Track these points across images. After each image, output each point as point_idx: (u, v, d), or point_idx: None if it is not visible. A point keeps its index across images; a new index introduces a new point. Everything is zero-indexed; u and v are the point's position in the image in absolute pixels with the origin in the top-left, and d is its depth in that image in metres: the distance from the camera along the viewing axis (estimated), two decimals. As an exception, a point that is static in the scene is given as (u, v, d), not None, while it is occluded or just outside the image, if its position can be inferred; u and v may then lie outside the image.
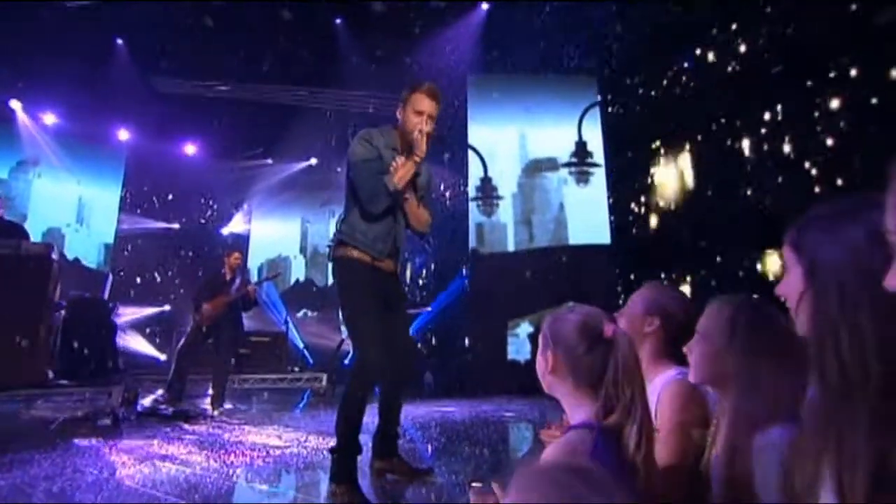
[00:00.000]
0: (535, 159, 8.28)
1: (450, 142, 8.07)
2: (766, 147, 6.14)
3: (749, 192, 6.21)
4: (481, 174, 8.21)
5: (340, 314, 2.88)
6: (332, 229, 9.99)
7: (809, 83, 5.57)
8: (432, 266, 8.63)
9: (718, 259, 6.15)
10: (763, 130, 6.18)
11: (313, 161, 10.12)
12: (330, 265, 2.92)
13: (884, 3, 4.73)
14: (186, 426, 4.48)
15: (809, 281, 0.88)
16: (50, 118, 8.82)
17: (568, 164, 8.17)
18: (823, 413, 0.77)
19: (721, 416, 1.23)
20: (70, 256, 8.54)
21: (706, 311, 1.29)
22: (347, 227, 2.76)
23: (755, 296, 1.31)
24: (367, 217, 2.71)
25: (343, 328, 9.10)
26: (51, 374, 5.17)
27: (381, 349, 2.65)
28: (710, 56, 6.74)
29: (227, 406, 5.45)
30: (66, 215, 9.12)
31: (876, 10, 4.70)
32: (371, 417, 2.79)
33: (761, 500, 1.05)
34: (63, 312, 5.24)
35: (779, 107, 5.92)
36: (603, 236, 7.84)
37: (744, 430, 1.12)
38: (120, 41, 8.82)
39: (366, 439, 2.78)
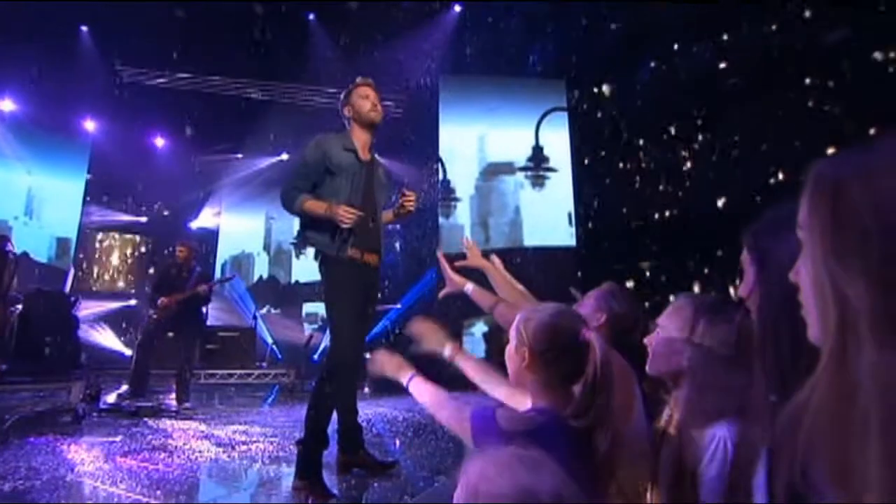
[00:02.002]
0: (493, 162, 8.42)
1: (422, 141, 8.09)
2: (732, 151, 6.31)
3: (715, 196, 6.37)
4: (440, 175, 8.32)
5: (325, 310, 2.87)
6: (296, 227, 9.93)
7: (772, 90, 5.76)
8: (402, 264, 8.65)
9: (682, 261, 6.31)
10: (727, 135, 6.35)
11: (284, 157, 9.99)
12: (310, 267, 3.01)
13: (835, 22, 4.95)
14: (150, 422, 4.41)
15: (760, 281, 0.93)
16: (7, 105, 8.46)
17: (524, 168, 8.32)
18: (763, 406, 0.82)
19: (674, 409, 1.27)
20: (18, 250, 8.19)
21: (669, 307, 1.34)
22: (310, 231, 2.84)
23: (715, 295, 1.36)
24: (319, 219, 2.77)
25: (306, 325, 9.09)
26: (4, 369, 4.98)
27: (359, 349, 2.77)
28: (676, 63, 6.89)
29: (193, 401, 5.39)
30: (14, 207, 8.76)
31: (830, 27, 4.91)
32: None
33: (704, 492, 1.09)
34: (20, 307, 5.06)
35: (742, 113, 6.09)
36: (557, 238, 8.02)
37: (696, 424, 1.16)
38: (84, 28, 8.53)
39: (331, 433, 2.80)
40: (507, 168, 8.38)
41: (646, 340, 1.35)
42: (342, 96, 2.98)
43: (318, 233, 2.78)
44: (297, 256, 9.93)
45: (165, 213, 9.93)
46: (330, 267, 2.78)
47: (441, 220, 8.23)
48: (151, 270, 8.73)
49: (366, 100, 2.90)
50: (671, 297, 1.38)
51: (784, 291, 0.82)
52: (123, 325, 9.09)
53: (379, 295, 3.13)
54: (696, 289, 5.89)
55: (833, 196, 0.49)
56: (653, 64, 7.17)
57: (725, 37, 6.31)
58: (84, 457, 3.16)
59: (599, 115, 7.91)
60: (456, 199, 8.31)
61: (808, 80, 5.37)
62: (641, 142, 7.28)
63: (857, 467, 0.43)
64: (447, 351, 1.71)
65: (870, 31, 4.80)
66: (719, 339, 1.20)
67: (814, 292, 0.51)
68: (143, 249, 9.74)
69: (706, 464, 1.10)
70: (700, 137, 6.60)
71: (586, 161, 8.06)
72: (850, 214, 0.47)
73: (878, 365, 0.44)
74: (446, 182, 8.37)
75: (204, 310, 5.87)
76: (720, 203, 6.22)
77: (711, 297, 1.33)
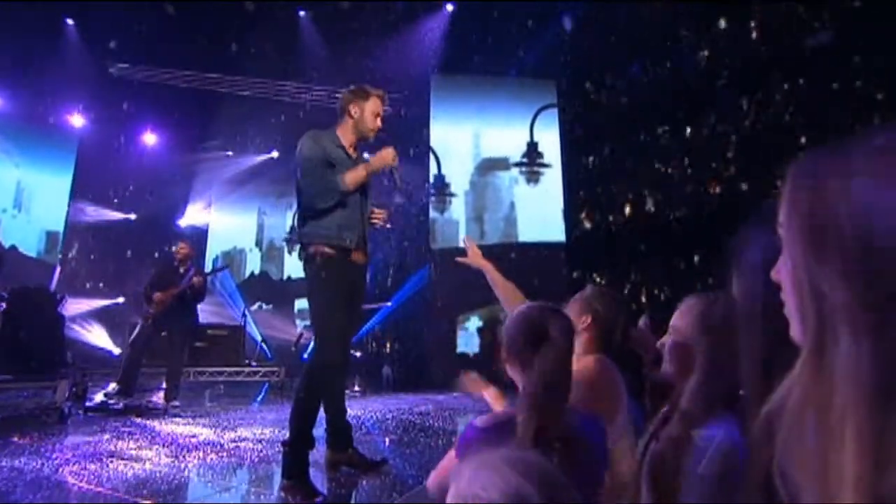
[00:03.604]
0: (487, 158, 8.46)
1: (412, 139, 8.08)
2: (717, 152, 6.35)
3: (700, 195, 6.42)
4: (435, 171, 8.36)
5: (309, 309, 2.85)
6: (289, 223, 9.90)
7: (756, 92, 5.81)
8: (394, 261, 8.64)
9: (669, 260, 6.36)
10: (715, 136, 6.38)
11: (275, 154, 9.93)
12: (301, 264, 2.88)
13: (815, 27, 5.03)
14: (138, 421, 4.38)
15: (737, 282, 0.93)
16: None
17: (519, 164, 8.36)
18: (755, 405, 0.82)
19: (673, 410, 1.27)
20: (6, 243, 8.10)
21: (679, 309, 1.33)
22: (311, 226, 2.77)
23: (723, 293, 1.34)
24: (327, 211, 2.74)
25: (297, 321, 9.05)
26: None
27: (345, 350, 2.76)
28: (666, 64, 6.93)
29: (182, 400, 5.35)
30: (3, 200, 8.64)
31: (809, 34, 4.98)
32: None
33: (692, 492, 1.09)
34: (4, 304, 5.00)
35: (727, 114, 6.14)
36: (550, 234, 8.06)
37: (697, 421, 1.16)
38: (71, 22, 8.42)
39: (319, 433, 2.79)
40: (502, 164, 8.41)
41: (658, 344, 1.36)
42: (351, 92, 2.92)
43: (323, 227, 2.73)
44: (290, 252, 9.90)
45: (159, 211, 9.82)
46: (317, 265, 2.73)
47: (435, 215, 8.23)
48: (147, 267, 8.61)
49: (377, 117, 2.89)
50: (661, 293, 1.38)
51: (757, 293, 0.83)
52: (111, 323, 9.00)
53: (363, 297, 3.09)
54: (685, 285, 5.92)
55: (811, 194, 0.50)
56: (643, 63, 7.20)
57: (715, 36, 6.34)
58: (69, 456, 3.12)
59: (590, 113, 7.95)
60: (451, 195, 8.32)
61: (798, 80, 5.42)
62: (631, 140, 7.31)
63: (834, 465, 0.44)
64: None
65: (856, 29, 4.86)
66: (730, 339, 1.21)
67: (793, 290, 0.52)
68: (134, 246, 9.62)
69: (703, 463, 1.09)
70: (691, 135, 6.63)
71: (577, 158, 8.10)
72: (826, 212, 0.48)
73: (853, 360, 0.44)
74: (441, 177, 8.37)
75: (198, 307, 5.84)
76: (711, 200, 6.26)
77: (721, 294, 1.32)
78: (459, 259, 2.19)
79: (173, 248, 5.77)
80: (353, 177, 2.76)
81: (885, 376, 0.42)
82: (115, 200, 9.64)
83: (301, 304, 9.46)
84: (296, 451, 2.56)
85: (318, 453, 2.79)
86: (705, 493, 1.07)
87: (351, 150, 2.92)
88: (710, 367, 1.20)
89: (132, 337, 5.43)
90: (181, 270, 5.50)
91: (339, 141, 2.88)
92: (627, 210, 7.28)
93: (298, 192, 2.86)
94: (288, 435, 2.62)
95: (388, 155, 2.79)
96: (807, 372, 0.48)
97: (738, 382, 1.14)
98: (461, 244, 2.26)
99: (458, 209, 8.33)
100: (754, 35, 5.87)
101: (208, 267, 9.35)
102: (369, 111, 2.87)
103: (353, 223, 2.79)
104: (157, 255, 9.21)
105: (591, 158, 7.82)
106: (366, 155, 3.08)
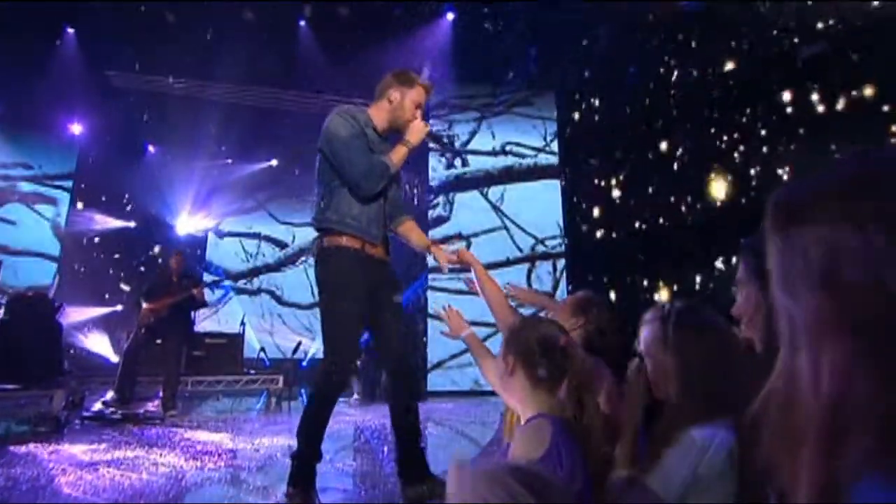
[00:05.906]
0: (483, 169, 8.52)
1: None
2: (719, 163, 6.36)
3: (701, 206, 6.43)
4: (429, 182, 8.44)
5: (320, 310, 2.51)
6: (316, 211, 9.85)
7: (762, 98, 5.83)
8: (394, 265, 8.66)
9: (671, 270, 6.36)
10: (717, 147, 6.40)
11: (274, 162, 9.95)
12: (312, 259, 2.59)
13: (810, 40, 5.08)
14: (135, 430, 4.35)
15: (762, 296, 0.93)
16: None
17: (515, 175, 8.44)
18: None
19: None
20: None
21: (642, 324, 1.34)
22: (334, 213, 2.48)
23: (688, 302, 1.34)
24: (359, 199, 2.49)
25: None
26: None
27: (354, 356, 2.63)
28: (667, 73, 6.97)
29: (180, 409, 5.32)
30: (-1, 209, 8.63)
31: (806, 46, 5.04)
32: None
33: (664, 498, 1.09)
34: (1, 312, 4.98)
35: (729, 124, 6.16)
36: (547, 245, 8.13)
37: (674, 430, 1.16)
38: (71, 30, 8.46)
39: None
40: (499, 175, 8.46)
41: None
42: (395, 76, 2.69)
43: (351, 216, 2.47)
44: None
45: (158, 219, 9.82)
46: (328, 261, 2.47)
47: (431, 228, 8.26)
48: (145, 275, 8.61)
49: (417, 108, 2.64)
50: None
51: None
52: (109, 332, 8.97)
53: (399, 288, 2.71)
54: (682, 297, 5.93)
55: (786, 223, 0.52)
56: (641, 74, 7.24)
57: (714, 48, 6.38)
58: (65, 466, 3.10)
59: (588, 124, 7.99)
60: (447, 205, 8.38)
61: (793, 89, 5.45)
62: (630, 151, 7.34)
63: (798, 466, 0.47)
64: (465, 332, 1.90)
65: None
66: (693, 344, 1.21)
67: (778, 311, 0.55)
68: (132, 254, 9.60)
69: (673, 471, 1.10)
70: (687, 146, 6.66)
71: (577, 169, 8.13)
72: (799, 240, 0.50)
73: (812, 370, 0.48)
74: (435, 188, 8.43)
75: (193, 315, 5.86)
76: (710, 212, 6.27)
77: (683, 305, 1.30)
78: (444, 333, 1.99)
79: (169, 260, 5.78)
80: (398, 156, 2.53)
81: (838, 384, 0.46)
82: (115, 208, 9.65)
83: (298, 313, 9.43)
84: (303, 463, 2.42)
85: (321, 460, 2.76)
86: (704, 492, 1.07)
87: (383, 134, 2.68)
88: (682, 379, 1.20)
89: (126, 346, 5.45)
90: (174, 279, 5.53)
91: (372, 122, 2.63)
92: (628, 220, 7.29)
93: (329, 177, 2.55)
94: (296, 446, 2.44)
95: (419, 127, 2.58)
96: (780, 383, 0.53)
97: (711, 393, 1.15)
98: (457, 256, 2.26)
99: (452, 220, 8.37)
100: (754, 41, 5.91)
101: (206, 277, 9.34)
102: (410, 100, 2.62)
103: (380, 218, 2.55)
104: (154, 263, 9.22)
105: (590, 169, 7.85)
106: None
